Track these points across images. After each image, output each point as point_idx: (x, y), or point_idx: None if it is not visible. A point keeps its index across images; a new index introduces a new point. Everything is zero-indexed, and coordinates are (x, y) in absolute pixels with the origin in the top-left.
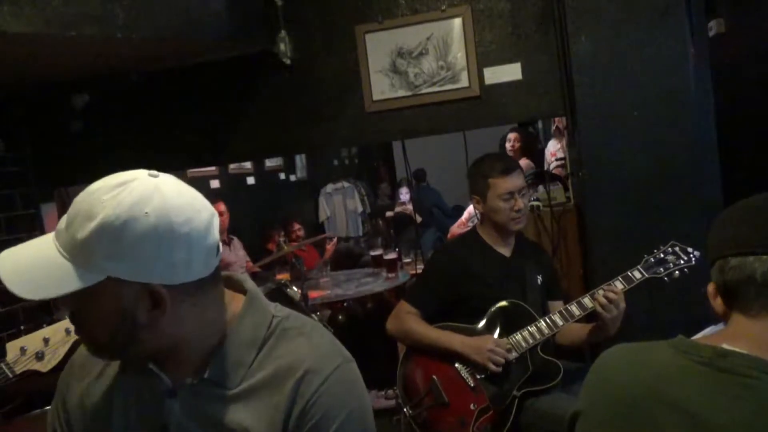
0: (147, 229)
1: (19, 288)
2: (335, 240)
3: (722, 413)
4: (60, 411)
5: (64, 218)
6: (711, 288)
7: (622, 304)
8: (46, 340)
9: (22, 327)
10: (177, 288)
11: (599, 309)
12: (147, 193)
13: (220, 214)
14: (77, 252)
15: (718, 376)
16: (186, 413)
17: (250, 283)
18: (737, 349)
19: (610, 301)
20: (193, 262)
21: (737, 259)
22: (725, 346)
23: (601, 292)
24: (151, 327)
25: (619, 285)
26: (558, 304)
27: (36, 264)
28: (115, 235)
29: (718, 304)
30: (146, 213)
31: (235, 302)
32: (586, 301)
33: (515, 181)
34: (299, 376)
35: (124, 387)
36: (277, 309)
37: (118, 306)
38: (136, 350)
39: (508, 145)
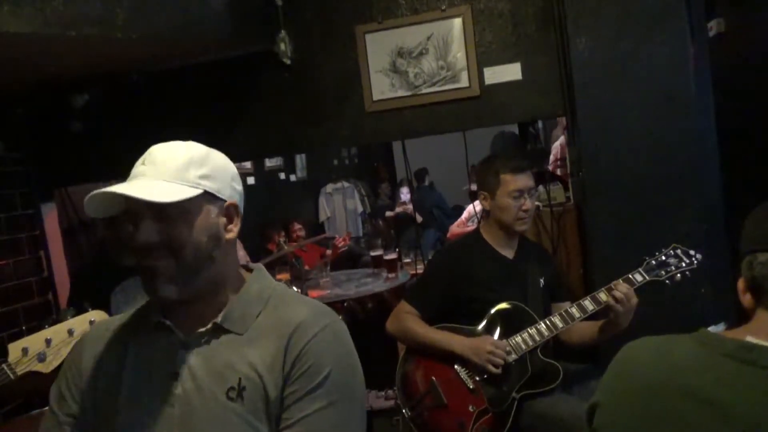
0: (222, 159)
1: (149, 195)
2: (344, 238)
3: (745, 404)
4: (71, 383)
5: (144, 165)
6: (740, 284)
7: (634, 299)
8: (48, 341)
9: (23, 327)
10: (238, 212)
11: (613, 303)
12: (204, 146)
13: None
14: (177, 176)
15: (741, 368)
16: (197, 359)
17: (258, 265)
18: (763, 343)
19: (625, 295)
20: (242, 197)
21: (766, 255)
22: (750, 339)
23: (621, 285)
24: (223, 247)
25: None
26: (564, 306)
27: (147, 186)
28: (203, 161)
29: (747, 299)
30: (216, 152)
31: (246, 275)
32: (587, 303)
33: (526, 180)
34: (294, 327)
35: (137, 348)
36: (279, 283)
37: (208, 218)
38: (207, 275)
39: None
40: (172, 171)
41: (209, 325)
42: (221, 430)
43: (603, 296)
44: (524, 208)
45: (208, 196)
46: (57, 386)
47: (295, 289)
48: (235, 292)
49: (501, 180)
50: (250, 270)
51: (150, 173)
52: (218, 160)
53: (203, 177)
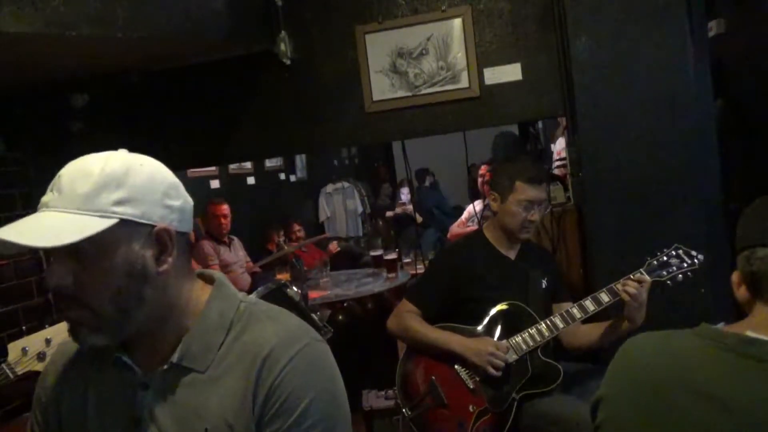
0: (146, 175)
1: (38, 239)
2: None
3: (746, 397)
4: (39, 418)
5: (52, 192)
6: (735, 277)
7: (645, 294)
8: (47, 341)
9: (23, 327)
10: (174, 237)
11: (626, 298)
12: (131, 155)
13: (224, 216)
14: (84, 205)
15: (742, 362)
16: (158, 402)
17: (218, 274)
18: (763, 337)
19: (636, 290)
20: (185, 213)
21: (764, 250)
22: (749, 333)
23: (619, 285)
24: (155, 281)
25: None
26: (565, 306)
27: (44, 224)
28: (120, 181)
29: (741, 293)
30: (141, 164)
31: (204, 291)
32: (587, 303)
33: (540, 193)
34: (264, 357)
35: (97, 386)
36: (245, 297)
37: (129, 253)
38: (137, 316)
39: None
40: (79, 199)
41: (166, 365)
42: None
43: (605, 297)
44: (531, 218)
45: (126, 226)
46: (32, 416)
47: (294, 289)
48: (191, 318)
49: (515, 187)
50: (209, 278)
51: (55, 203)
52: (140, 176)
53: (118, 202)
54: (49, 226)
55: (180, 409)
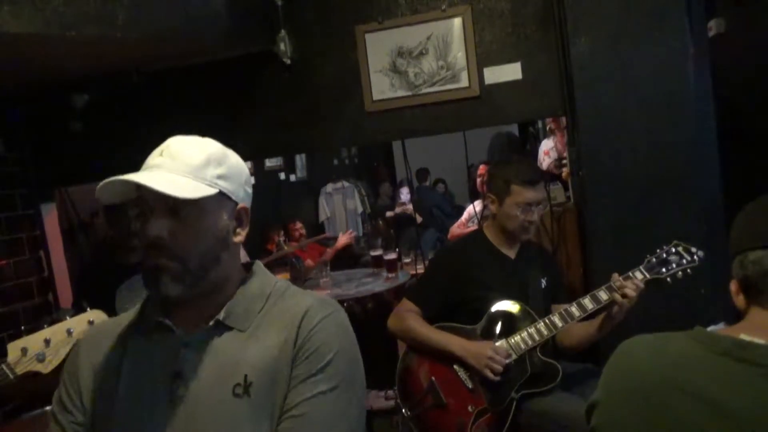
0: (236, 161)
1: (168, 188)
2: (346, 237)
3: (739, 401)
4: (71, 391)
5: (162, 156)
6: (734, 286)
7: (636, 298)
8: (47, 341)
9: (22, 327)
10: (248, 216)
11: (619, 298)
12: (218, 143)
13: None
14: (196, 172)
15: (736, 365)
16: (200, 357)
17: (257, 261)
18: (757, 340)
19: (634, 292)
20: (251, 201)
21: (756, 253)
22: (743, 337)
23: (618, 283)
24: (231, 250)
25: None
26: (565, 306)
27: (166, 178)
28: (221, 160)
29: (740, 300)
30: (231, 152)
31: (244, 272)
32: (586, 302)
33: (537, 194)
34: (302, 314)
35: (133, 354)
36: (279, 279)
37: (219, 220)
38: (212, 274)
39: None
40: (191, 167)
41: (211, 323)
42: (228, 427)
43: (603, 295)
44: (530, 219)
45: (222, 197)
46: (58, 395)
47: None
48: (236, 289)
49: (512, 190)
50: (249, 267)
51: (167, 166)
52: (235, 160)
53: (220, 177)
54: (171, 181)
55: (221, 361)
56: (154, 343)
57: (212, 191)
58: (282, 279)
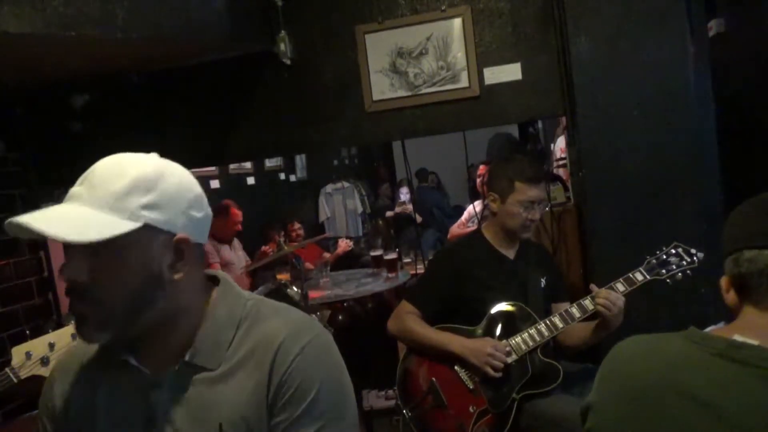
0: (176, 183)
1: (62, 231)
2: (345, 245)
3: (734, 402)
4: (47, 424)
5: (82, 186)
6: (724, 282)
7: (621, 301)
8: (51, 345)
9: (27, 332)
10: (191, 248)
11: (601, 309)
12: (162, 161)
13: (240, 222)
14: (114, 204)
15: (730, 366)
16: (172, 401)
17: (221, 273)
18: (750, 341)
19: (610, 301)
20: (204, 225)
21: (751, 252)
22: (737, 337)
23: (602, 293)
24: (168, 287)
25: (620, 287)
26: (564, 306)
27: (71, 216)
28: (150, 186)
29: (730, 297)
30: (172, 172)
31: (209, 291)
32: (587, 303)
33: (540, 192)
34: (276, 349)
35: (107, 388)
36: (250, 294)
37: (147, 257)
38: (146, 318)
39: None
40: (111, 197)
41: (178, 365)
42: None
43: (589, 305)
44: (532, 217)
45: (149, 230)
46: (39, 423)
47: (295, 288)
48: (200, 319)
49: (515, 187)
50: (214, 279)
51: (83, 198)
52: (170, 184)
53: (147, 206)
54: (76, 220)
55: (194, 406)
56: (125, 381)
57: (133, 225)
58: (254, 295)
